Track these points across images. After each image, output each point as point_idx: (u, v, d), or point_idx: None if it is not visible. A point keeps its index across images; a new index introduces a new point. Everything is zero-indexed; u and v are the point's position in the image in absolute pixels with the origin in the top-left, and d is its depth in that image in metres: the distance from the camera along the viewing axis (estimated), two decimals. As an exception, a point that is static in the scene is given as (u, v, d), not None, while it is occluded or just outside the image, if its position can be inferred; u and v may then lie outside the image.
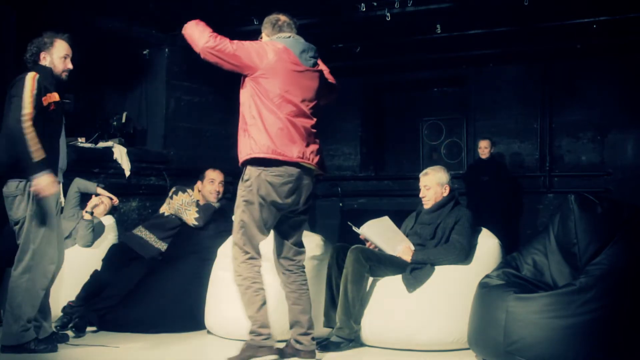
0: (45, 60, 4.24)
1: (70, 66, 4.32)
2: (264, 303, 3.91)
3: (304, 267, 4.09)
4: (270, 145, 3.76)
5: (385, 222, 4.56)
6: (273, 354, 3.91)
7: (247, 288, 3.87)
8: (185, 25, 3.88)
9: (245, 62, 3.81)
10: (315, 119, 3.97)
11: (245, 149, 3.83)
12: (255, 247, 3.90)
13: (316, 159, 3.93)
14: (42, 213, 4.11)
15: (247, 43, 3.85)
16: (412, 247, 4.60)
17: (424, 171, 4.87)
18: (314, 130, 3.96)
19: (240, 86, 3.94)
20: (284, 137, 3.79)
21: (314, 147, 3.93)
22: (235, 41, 3.82)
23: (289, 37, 4.00)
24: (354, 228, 4.58)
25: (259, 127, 3.79)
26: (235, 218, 3.90)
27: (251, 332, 3.90)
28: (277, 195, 3.81)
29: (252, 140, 3.80)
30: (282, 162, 3.78)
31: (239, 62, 3.80)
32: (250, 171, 3.82)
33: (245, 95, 3.90)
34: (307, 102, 3.94)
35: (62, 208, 4.40)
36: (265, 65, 3.82)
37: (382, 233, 4.55)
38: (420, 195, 4.82)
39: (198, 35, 3.80)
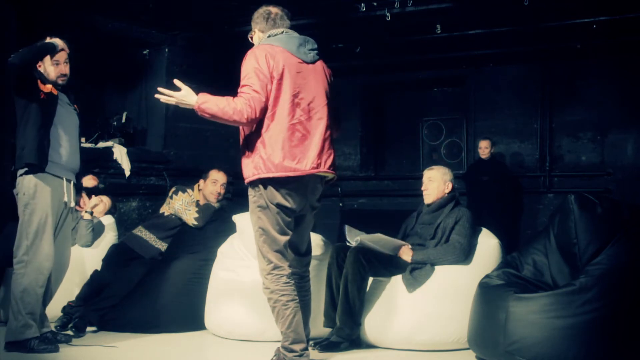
0: (41, 67, 4.30)
1: (64, 71, 4.32)
2: (294, 316, 3.67)
3: (309, 274, 4.00)
4: (280, 162, 3.58)
5: (377, 236, 4.54)
6: None
7: (275, 302, 3.67)
8: (203, 108, 3.57)
9: (267, 94, 3.61)
10: (328, 121, 3.76)
11: (249, 168, 3.65)
12: (279, 253, 3.69)
13: (329, 165, 3.75)
14: (32, 209, 4.13)
15: (254, 78, 3.59)
16: (409, 246, 4.60)
17: (430, 167, 4.91)
18: (328, 133, 3.76)
19: None
20: (296, 148, 3.62)
21: (328, 152, 3.76)
22: (248, 88, 3.59)
23: (282, 32, 3.77)
24: (347, 243, 4.54)
25: (268, 143, 3.60)
26: (253, 226, 3.72)
27: (284, 348, 3.71)
28: (284, 199, 3.64)
29: (260, 158, 3.61)
30: (294, 177, 3.62)
31: (267, 99, 3.62)
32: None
33: None
34: (318, 103, 3.73)
35: (72, 208, 4.41)
36: (275, 77, 3.61)
37: (377, 242, 4.54)
38: (423, 188, 4.81)
39: (230, 114, 3.53)
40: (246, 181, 3.70)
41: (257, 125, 3.64)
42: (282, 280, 3.67)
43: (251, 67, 3.62)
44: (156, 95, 3.70)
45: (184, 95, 3.62)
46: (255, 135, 3.65)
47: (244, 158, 3.73)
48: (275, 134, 3.61)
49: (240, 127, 3.73)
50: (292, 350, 3.67)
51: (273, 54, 3.65)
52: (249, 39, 3.96)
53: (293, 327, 3.67)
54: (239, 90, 3.63)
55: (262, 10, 3.86)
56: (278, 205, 3.64)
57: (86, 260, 5.44)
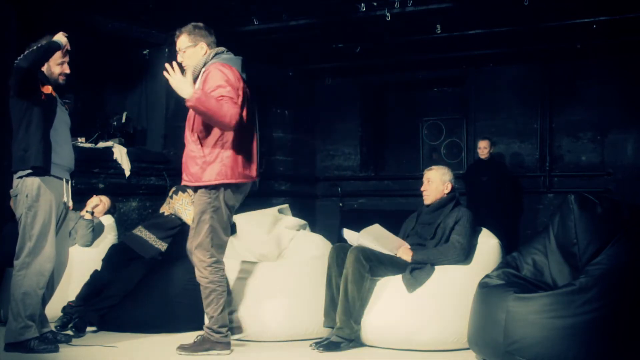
0: (44, 67, 4.25)
1: (67, 70, 4.34)
2: (225, 305, 4.18)
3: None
4: (241, 170, 4.06)
5: (377, 228, 4.57)
6: (227, 350, 4.16)
7: (212, 291, 4.12)
8: (202, 100, 3.83)
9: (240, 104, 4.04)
10: (257, 136, 4.24)
11: (211, 173, 3.99)
12: (222, 250, 4.18)
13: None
14: (36, 210, 4.13)
15: (232, 92, 3.95)
16: (409, 246, 4.60)
17: (430, 167, 4.93)
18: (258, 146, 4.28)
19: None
20: (250, 158, 4.13)
21: (258, 161, 4.27)
22: (227, 97, 3.93)
23: (225, 52, 4.16)
24: (349, 242, 4.58)
25: (231, 152, 4.02)
26: (203, 224, 4.07)
27: (209, 329, 4.15)
28: (235, 201, 4.16)
29: (222, 165, 3.99)
30: (247, 182, 4.16)
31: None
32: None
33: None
34: (252, 120, 4.18)
35: (68, 209, 4.41)
36: (240, 94, 4.04)
37: (377, 239, 4.55)
38: (422, 188, 4.84)
39: (223, 114, 3.86)
40: (203, 184, 4.02)
41: (218, 134, 4.00)
42: (220, 273, 4.15)
43: (224, 80, 3.95)
44: (165, 70, 3.93)
45: (181, 81, 3.87)
46: (218, 144, 4.01)
47: (202, 164, 4.01)
48: (237, 144, 4.04)
49: (196, 134, 4.03)
50: (219, 332, 4.14)
51: (236, 73, 4.06)
52: (179, 50, 4.21)
53: (223, 314, 4.17)
54: (220, 95, 3.89)
55: (202, 25, 4.20)
56: (230, 207, 4.12)
57: (86, 260, 5.43)
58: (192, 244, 4.14)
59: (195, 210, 4.11)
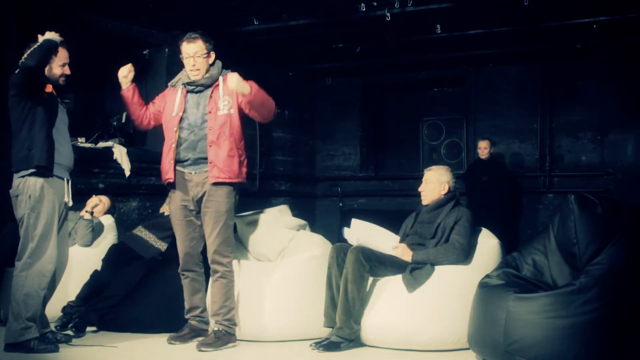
0: (48, 64, 4.23)
1: (68, 72, 4.35)
2: None
3: None
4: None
5: (370, 226, 4.60)
6: (235, 341, 4.44)
7: (234, 284, 4.46)
8: (258, 93, 4.28)
9: None
10: None
11: (238, 170, 4.37)
12: None
13: None
14: (39, 211, 4.12)
15: None
16: (405, 245, 4.61)
17: (430, 167, 4.93)
18: None
19: (239, 113, 4.38)
20: None
21: None
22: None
23: None
24: (345, 236, 4.62)
25: (245, 154, 4.45)
26: (231, 221, 4.42)
27: (228, 321, 4.40)
28: None
29: (244, 165, 4.41)
30: None
31: None
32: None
33: (241, 126, 4.41)
34: None
35: (68, 209, 4.40)
36: None
37: (372, 235, 4.56)
38: (420, 189, 4.84)
39: (272, 102, 4.39)
40: (229, 180, 4.32)
41: (242, 138, 4.40)
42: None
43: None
44: (230, 74, 4.23)
45: (241, 80, 4.19)
46: (241, 146, 4.41)
47: (239, 162, 4.37)
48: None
49: (232, 137, 4.33)
50: (235, 323, 4.46)
51: None
52: (195, 54, 4.41)
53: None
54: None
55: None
56: None
57: (86, 260, 5.43)
58: (213, 241, 4.36)
59: (222, 209, 4.33)
